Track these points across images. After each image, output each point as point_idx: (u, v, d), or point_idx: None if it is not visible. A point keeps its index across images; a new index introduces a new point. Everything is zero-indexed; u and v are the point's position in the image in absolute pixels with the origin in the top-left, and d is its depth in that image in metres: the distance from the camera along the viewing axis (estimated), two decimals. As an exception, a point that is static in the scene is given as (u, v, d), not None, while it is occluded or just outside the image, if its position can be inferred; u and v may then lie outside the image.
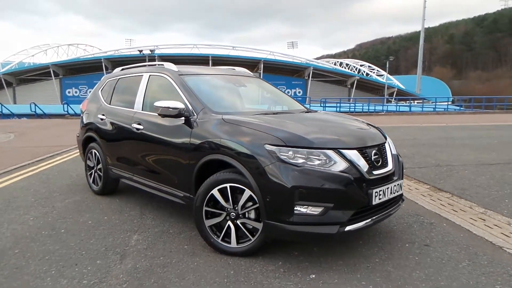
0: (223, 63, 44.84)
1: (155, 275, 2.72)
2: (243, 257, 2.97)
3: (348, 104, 30.20)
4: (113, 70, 5.30)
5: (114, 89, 4.75)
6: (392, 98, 44.27)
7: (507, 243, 3.23)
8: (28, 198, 4.77)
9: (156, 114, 3.64)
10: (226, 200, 2.97)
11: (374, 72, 62.86)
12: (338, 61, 76.27)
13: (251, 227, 2.94)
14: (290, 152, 2.69)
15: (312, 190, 2.61)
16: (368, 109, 28.28)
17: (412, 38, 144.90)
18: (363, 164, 2.82)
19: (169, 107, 3.35)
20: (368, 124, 3.54)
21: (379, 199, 2.84)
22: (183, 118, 3.41)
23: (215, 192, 2.99)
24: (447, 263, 2.87)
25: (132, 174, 4.15)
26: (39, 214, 4.13)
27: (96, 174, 4.86)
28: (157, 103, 3.41)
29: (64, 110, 24.65)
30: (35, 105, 24.40)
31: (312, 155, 2.69)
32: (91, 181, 5.00)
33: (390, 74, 56.84)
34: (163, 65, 4.14)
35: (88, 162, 5.02)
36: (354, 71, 61.52)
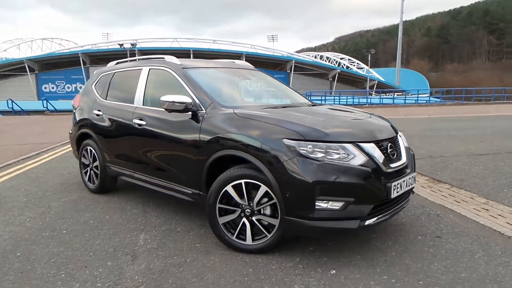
0: (205, 56, 44.42)
1: (172, 275, 2.63)
2: (259, 254, 2.91)
3: (332, 97, 30.42)
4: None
5: (110, 83, 4.57)
6: (372, 91, 44.89)
7: (515, 233, 3.29)
8: (21, 198, 4.57)
9: (160, 109, 3.54)
10: (241, 196, 2.90)
11: (354, 65, 63.53)
12: (318, 54, 76.73)
13: (266, 223, 2.88)
14: (310, 147, 2.63)
15: (333, 185, 2.57)
16: (353, 101, 28.57)
17: (390, 31, 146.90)
18: (380, 157, 2.79)
19: (175, 102, 3.23)
20: (380, 117, 3.52)
21: (397, 192, 2.83)
22: (190, 113, 3.31)
23: (229, 188, 2.91)
24: (462, 254, 2.89)
25: (133, 171, 4.02)
26: (35, 214, 3.96)
27: (92, 172, 4.69)
28: (163, 98, 3.28)
29: (43, 106, 23.89)
30: (12, 101, 23.54)
31: (331, 149, 2.65)
32: (86, 179, 4.82)
33: (370, 67, 57.52)
34: (163, 58, 4.00)
35: (83, 160, 4.84)
36: (334, 64, 62.00)
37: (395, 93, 37.53)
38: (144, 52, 38.48)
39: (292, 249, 2.99)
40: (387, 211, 2.83)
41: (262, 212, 2.87)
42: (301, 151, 2.61)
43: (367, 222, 2.67)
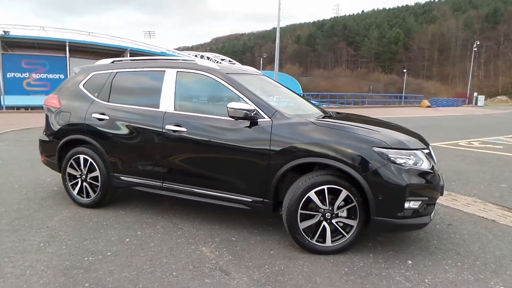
0: (84, 50, 40.17)
1: (284, 283, 2.66)
2: (336, 255, 3.12)
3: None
4: None
5: (111, 84, 4.08)
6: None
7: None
8: (12, 214, 3.76)
9: (210, 116, 3.48)
10: (322, 201, 3.06)
11: (236, 67, 65.78)
12: (199, 54, 77.07)
13: (342, 224, 3.11)
14: (396, 154, 2.97)
15: (416, 187, 2.96)
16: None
17: (265, 36, 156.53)
18: (431, 161, 3.30)
19: (243, 109, 3.20)
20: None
21: (443, 189, 3.38)
22: (247, 120, 3.30)
23: (311, 194, 3.05)
24: (481, 236, 3.62)
25: (160, 181, 3.72)
26: (43, 239, 3.34)
27: (85, 184, 4.12)
28: (231, 105, 3.20)
29: None
30: None
31: (408, 156, 3.03)
32: (75, 192, 4.19)
33: (249, 70, 60.36)
34: (194, 61, 3.81)
35: (70, 171, 4.19)
36: (216, 65, 63.12)
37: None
38: (15, 41, 32.82)
39: (355, 248, 3.26)
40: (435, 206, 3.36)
41: (339, 215, 3.09)
42: (392, 158, 2.94)
43: (432, 217, 3.14)
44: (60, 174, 4.28)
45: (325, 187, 3.04)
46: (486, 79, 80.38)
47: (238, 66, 4.17)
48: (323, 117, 3.61)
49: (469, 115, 27.31)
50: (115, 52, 43.83)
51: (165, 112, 3.68)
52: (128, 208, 4.19)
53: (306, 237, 3.11)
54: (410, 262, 3.06)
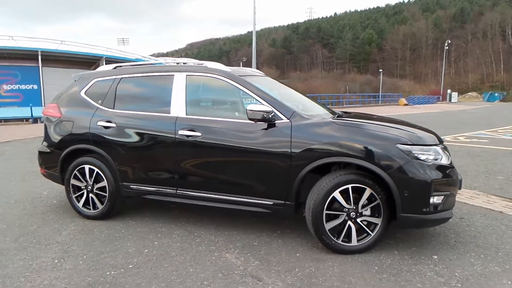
0: (57, 59, 39.06)
1: (315, 286, 2.62)
2: (364, 255, 3.10)
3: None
4: None
5: (116, 90, 3.95)
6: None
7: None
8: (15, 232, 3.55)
9: (225, 120, 3.45)
10: (347, 200, 3.04)
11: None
12: (175, 60, 76.59)
13: (366, 223, 3.10)
14: (419, 150, 2.99)
15: (439, 182, 2.98)
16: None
17: (240, 40, 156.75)
18: (449, 156, 3.33)
19: (261, 111, 3.15)
20: None
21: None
22: (265, 122, 3.25)
23: (336, 194, 3.03)
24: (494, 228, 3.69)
25: (174, 188, 3.61)
26: (56, 254, 3.18)
27: (92, 195, 3.95)
28: (251, 107, 3.14)
29: None
30: None
31: (428, 152, 3.05)
32: (80, 204, 4.02)
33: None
34: (204, 64, 3.73)
35: (74, 182, 4.01)
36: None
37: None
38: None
39: (378, 246, 3.24)
40: (454, 200, 3.40)
41: (363, 213, 3.08)
42: (415, 154, 2.95)
43: (453, 211, 3.17)
44: (59, 187, 4.10)
45: (350, 186, 3.02)
46: (457, 77, 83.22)
47: (245, 68, 4.10)
48: (338, 117, 3.60)
49: (446, 111, 28.11)
50: (90, 60, 42.79)
51: (177, 117, 3.58)
52: (138, 217, 4.05)
53: (332, 237, 3.08)
54: (435, 257, 3.08)
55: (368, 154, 2.98)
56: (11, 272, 2.86)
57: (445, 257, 3.05)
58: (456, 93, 55.97)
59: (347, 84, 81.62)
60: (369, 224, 3.11)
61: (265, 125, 3.27)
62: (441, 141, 3.34)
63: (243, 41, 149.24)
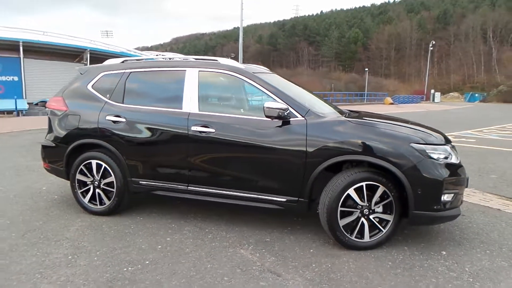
0: (39, 50, 38.00)
1: (337, 281, 2.68)
2: (375, 250, 3.17)
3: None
4: None
5: (125, 84, 3.90)
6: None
7: None
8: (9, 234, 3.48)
9: (240, 116, 3.48)
10: (360, 197, 3.10)
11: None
12: (160, 54, 75.89)
13: (378, 219, 3.18)
14: (432, 149, 3.07)
15: (451, 180, 3.08)
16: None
17: (226, 36, 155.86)
18: (457, 155, 3.43)
19: (277, 108, 3.18)
20: None
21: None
22: (280, 120, 3.28)
23: (351, 191, 3.09)
24: (496, 223, 3.82)
25: (185, 184, 3.61)
26: (68, 251, 3.15)
27: (99, 190, 3.91)
28: (268, 104, 3.17)
29: None
30: None
31: (440, 151, 3.14)
32: (86, 200, 3.97)
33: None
34: (217, 60, 3.73)
35: (80, 177, 3.96)
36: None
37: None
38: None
39: (388, 242, 3.31)
40: (461, 198, 3.50)
41: (375, 210, 3.15)
42: (429, 153, 3.03)
43: (461, 208, 3.28)
44: (59, 181, 4.05)
45: (364, 183, 3.08)
46: (440, 77, 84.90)
47: (256, 66, 4.11)
48: (348, 115, 3.66)
49: (430, 111, 28.67)
50: (74, 52, 41.73)
51: (189, 112, 3.57)
52: (145, 214, 4.03)
53: (346, 233, 3.14)
54: (444, 252, 3.17)
55: (383, 153, 3.05)
56: (25, 269, 2.81)
57: (454, 253, 3.16)
58: (439, 93, 57.15)
59: (332, 82, 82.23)
60: (381, 220, 3.18)
61: (279, 122, 3.30)
62: (449, 141, 3.44)
63: (229, 36, 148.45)
